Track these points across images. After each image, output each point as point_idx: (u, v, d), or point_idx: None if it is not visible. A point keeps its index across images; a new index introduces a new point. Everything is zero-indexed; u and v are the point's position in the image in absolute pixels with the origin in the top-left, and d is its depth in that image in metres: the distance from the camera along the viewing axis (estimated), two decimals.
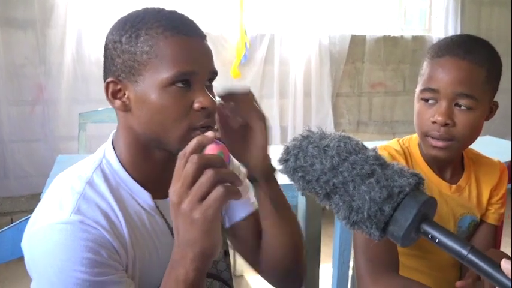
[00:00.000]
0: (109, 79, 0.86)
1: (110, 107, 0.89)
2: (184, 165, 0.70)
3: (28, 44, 3.01)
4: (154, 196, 0.89)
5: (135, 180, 0.88)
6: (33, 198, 2.93)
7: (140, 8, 0.88)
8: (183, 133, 0.83)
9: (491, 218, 1.28)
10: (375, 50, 3.77)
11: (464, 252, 0.53)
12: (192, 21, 0.87)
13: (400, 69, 3.90)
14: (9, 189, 3.07)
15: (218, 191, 0.68)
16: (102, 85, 0.88)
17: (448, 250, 0.54)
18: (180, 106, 0.82)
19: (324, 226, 1.93)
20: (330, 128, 3.63)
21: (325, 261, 2.05)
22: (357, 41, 3.71)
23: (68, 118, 3.05)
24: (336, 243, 1.94)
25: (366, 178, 0.55)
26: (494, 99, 1.15)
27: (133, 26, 0.84)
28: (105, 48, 0.88)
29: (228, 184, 0.70)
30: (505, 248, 1.39)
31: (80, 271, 0.75)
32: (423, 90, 1.12)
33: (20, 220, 1.13)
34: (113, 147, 0.90)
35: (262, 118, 0.92)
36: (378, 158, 0.57)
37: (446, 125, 1.09)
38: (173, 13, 0.86)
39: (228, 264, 1.03)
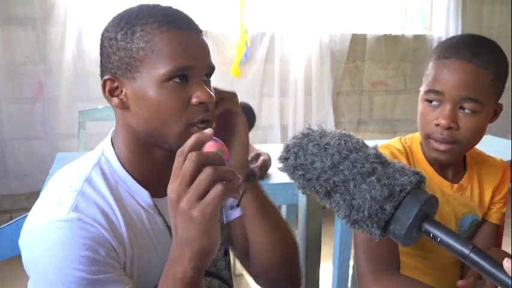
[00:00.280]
0: (106, 77, 0.85)
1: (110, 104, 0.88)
2: (182, 163, 0.69)
3: (28, 42, 3.00)
4: (153, 195, 0.88)
5: (134, 179, 0.88)
6: (33, 196, 2.92)
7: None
8: (182, 129, 0.82)
9: (494, 217, 1.27)
10: (375, 48, 3.77)
11: (466, 251, 0.52)
12: (187, 16, 0.87)
13: (401, 68, 3.90)
14: (9, 187, 3.07)
15: (217, 189, 0.68)
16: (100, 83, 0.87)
17: (449, 249, 0.53)
18: (178, 101, 0.82)
19: (324, 225, 1.93)
20: (330, 127, 3.63)
21: (326, 261, 2.05)
22: (357, 40, 3.71)
23: (68, 116, 3.05)
24: (336, 243, 1.94)
25: (366, 176, 0.55)
26: None
27: (128, 22, 0.83)
28: (101, 46, 0.87)
29: (227, 182, 0.69)
30: (505, 247, 1.39)
31: (78, 269, 0.75)
32: (428, 92, 1.11)
33: (19, 217, 1.12)
34: (112, 145, 0.89)
35: (243, 117, 0.93)
36: (378, 156, 0.57)
37: (449, 128, 1.08)
38: (168, 8, 0.86)
39: (228, 263, 1.03)
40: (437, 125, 1.09)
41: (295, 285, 1.04)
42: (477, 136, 1.12)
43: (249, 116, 2.18)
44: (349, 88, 3.81)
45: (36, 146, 3.09)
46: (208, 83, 0.87)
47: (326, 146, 0.57)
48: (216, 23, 3.35)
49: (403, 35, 3.85)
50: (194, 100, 0.82)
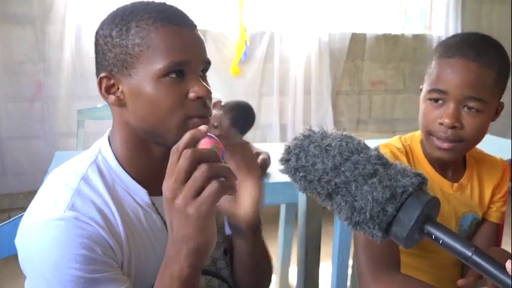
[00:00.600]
0: (102, 74, 0.85)
1: None
2: (177, 160, 0.69)
3: (27, 41, 2.99)
4: (151, 193, 0.88)
5: (131, 177, 0.87)
6: (31, 195, 2.89)
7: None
8: (180, 123, 0.82)
9: (494, 216, 1.27)
10: (375, 48, 3.76)
11: (468, 253, 0.52)
12: (181, 12, 0.87)
13: (401, 67, 3.89)
14: (7, 186, 3.06)
15: (212, 186, 0.67)
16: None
17: (452, 251, 0.53)
18: (175, 96, 0.81)
19: (323, 225, 1.92)
20: (329, 126, 3.62)
21: (325, 260, 2.05)
22: (357, 39, 3.71)
23: (66, 115, 3.05)
24: (335, 242, 1.94)
25: (368, 178, 0.54)
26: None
27: (123, 19, 0.83)
28: (96, 44, 0.87)
29: (223, 179, 0.69)
30: (505, 247, 1.38)
31: (75, 268, 0.75)
32: (431, 91, 1.11)
33: (17, 216, 1.12)
34: (109, 143, 0.89)
35: (258, 172, 0.91)
36: (380, 158, 0.56)
37: (453, 127, 1.08)
38: (162, 4, 0.86)
39: (228, 263, 1.02)
40: (440, 123, 1.09)
41: None
42: (480, 134, 1.12)
43: (249, 115, 2.19)
44: (348, 87, 3.81)
45: (35, 145, 3.08)
46: (204, 78, 0.87)
47: (327, 148, 0.57)
48: (215, 22, 3.35)
49: (402, 35, 3.85)
50: (191, 95, 0.82)
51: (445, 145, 1.10)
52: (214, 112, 2.05)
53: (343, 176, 0.55)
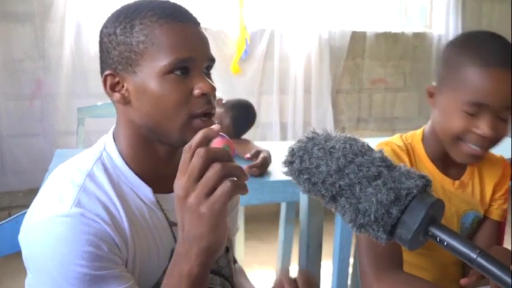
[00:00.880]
0: (106, 72, 0.85)
1: (109, 101, 0.88)
2: (190, 159, 0.69)
3: (27, 38, 2.99)
4: (155, 191, 0.88)
5: (136, 174, 0.87)
6: (31, 193, 2.91)
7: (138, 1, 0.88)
8: (184, 121, 0.82)
9: (495, 214, 1.28)
10: (375, 46, 3.76)
11: (473, 255, 0.52)
12: (185, 9, 0.87)
13: (401, 65, 3.89)
14: (7, 184, 3.05)
15: (225, 185, 0.67)
16: (101, 79, 0.87)
17: (456, 253, 0.53)
18: (180, 93, 0.81)
19: (324, 224, 1.92)
20: (329, 125, 3.63)
21: (325, 258, 2.05)
22: (357, 37, 3.70)
23: (66, 113, 3.04)
24: (336, 241, 1.94)
25: (372, 180, 0.54)
26: None
27: (127, 16, 0.83)
28: (100, 42, 0.87)
29: (235, 179, 0.69)
30: (506, 245, 1.38)
31: (81, 265, 0.75)
32: (470, 104, 1.06)
33: (19, 213, 1.12)
34: (114, 141, 0.89)
35: None
36: (384, 160, 0.56)
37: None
38: (166, 2, 0.86)
39: (229, 261, 1.02)
40: (477, 133, 1.08)
41: None
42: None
43: (249, 113, 2.18)
44: (348, 86, 3.80)
45: (35, 143, 3.07)
46: (208, 75, 0.87)
47: (331, 150, 0.56)
48: (215, 19, 3.34)
49: (402, 33, 3.85)
50: (196, 92, 0.82)
51: (478, 151, 1.10)
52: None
53: (347, 178, 0.55)
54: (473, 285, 1.04)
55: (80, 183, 0.81)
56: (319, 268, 1.97)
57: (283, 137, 3.56)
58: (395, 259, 1.11)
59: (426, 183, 0.54)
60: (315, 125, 3.59)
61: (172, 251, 0.88)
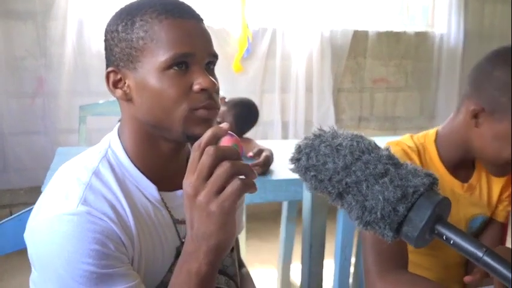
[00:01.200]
0: (109, 69, 0.86)
1: (111, 99, 0.88)
2: (199, 157, 0.68)
3: (29, 36, 2.99)
4: (160, 188, 0.88)
5: (141, 172, 0.87)
6: (33, 191, 2.92)
7: None
8: (185, 114, 0.82)
9: (500, 216, 1.28)
10: (377, 45, 3.76)
11: (479, 254, 0.52)
12: (186, 5, 0.86)
13: (403, 65, 3.89)
14: (8, 181, 3.05)
15: (235, 183, 0.67)
16: (103, 78, 0.87)
17: (462, 252, 0.53)
18: (179, 88, 0.81)
19: (327, 223, 1.92)
20: (331, 124, 3.62)
21: (327, 258, 2.05)
22: (359, 36, 3.70)
23: (68, 111, 3.04)
24: (338, 240, 1.94)
25: (379, 178, 0.54)
26: None
27: (128, 14, 0.84)
28: (104, 40, 0.88)
29: (243, 177, 0.69)
30: (506, 245, 1.39)
31: (88, 263, 0.74)
32: None
33: (21, 211, 1.11)
34: (119, 138, 0.89)
35: None
36: (391, 158, 0.56)
37: None
38: None
39: (234, 260, 1.02)
40: None
41: None
42: None
43: (252, 112, 2.18)
44: (350, 85, 3.80)
45: (37, 141, 3.08)
46: (211, 72, 0.87)
47: (338, 147, 0.56)
48: (217, 18, 3.34)
49: (404, 32, 3.84)
50: (196, 87, 0.82)
51: None
52: None
53: (354, 175, 0.55)
54: (477, 283, 1.04)
55: (86, 181, 0.81)
56: (322, 268, 1.97)
57: (285, 136, 3.55)
58: (400, 259, 1.11)
59: (433, 182, 0.54)
60: (317, 123, 3.59)
61: (177, 248, 0.88)
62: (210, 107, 0.83)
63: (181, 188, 0.72)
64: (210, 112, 0.84)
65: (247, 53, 3.39)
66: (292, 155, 0.60)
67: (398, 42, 3.83)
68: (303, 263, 1.88)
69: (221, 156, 0.68)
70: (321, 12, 3.51)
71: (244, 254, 2.56)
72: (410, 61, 3.89)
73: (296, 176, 0.62)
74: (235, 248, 1.07)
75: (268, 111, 3.51)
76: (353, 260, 2.04)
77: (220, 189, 0.67)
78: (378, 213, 0.53)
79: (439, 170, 1.20)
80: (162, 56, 0.80)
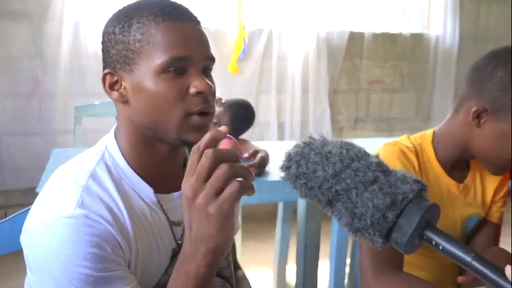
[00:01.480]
0: (106, 71, 0.86)
1: (106, 101, 0.88)
2: (198, 159, 0.69)
3: (24, 37, 2.98)
4: (156, 191, 0.88)
5: (137, 174, 0.87)
6: (28, 192, 2.91)
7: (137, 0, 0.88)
8: (180, 118, 0.82)
9: (494, 217, 1.29)
10: (373, 46, 3.76)
11: (468, 258, 0.52)
12: (184, 7, 0.86)
13: (398, 66, 3.90)
14: (4, 182, 3.05)
15: (233, 185, 0.67)
16: (99, 79, 0.87)
17: (451, 257, 0.53)
18: (176, 91, 0.81)
19: (321, 224, 1.93)
20: (327, 125, 3.63)
21: (323, 259, 2.06)
22: (355, 38, 3.70)
23: (64, 112, 3.04)
24: (333, 241, 1.95)
25: (369, 185, 0.54)
26: None
27: (126, 16, 0.84)
28: (102, 42, 0.88)
29: (242, 179, 0.69)
30: (500, 246, 1.40)
31: (84, 266, 0.75)
32: None
33: (16, 213, 1.11)
34: (115, 140, 0.89)
35: None
36: (380, 165, 0.56)
37: None
38: (165, 1, 0.86)
39: (230, 262, 1.03)
40: None
41: None
42: None
43: (248, 113, 2.18)
44: (346, 86, 3.81)
45: (32, 142, 3.07)
46: (208, 75, 0.87)
47: (328, 155, 0.57)
48: (213, 19, 3.34)
49: (400, 34, 3.85)
50: (192, 90, 0.82)
51: None
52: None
53: (343, 183, 0.55)
54: (470, 283, 1.05)
55: (83, 184, 0.81)
56: (317, 268, 1.97)
57: (281, 137, 3.56)
58: (395, 260, 1.12)
59: (422, 188, 0.55)
60: (313, 125, 3.60)
61: (173, 250, 0.88)
62: (205, 111, 0.83)
63: (177, 190, 0.72)
64: (205, 119, 0.84)
65: (243, 54, 3.39)
66: (282, 163, 0.60)
67: (394, 43, 3.84)
68: (297, 263, 1.89)
69: (220, 159, 0.68)
70: (317, 13, 3.51)
71: (240, 255, 2.57)
72: (406, 62, 3.90)
73: None
74: (231, 250, 1.07)
75: (265, 112, 3.51)
76: (348, 260, 2.04)
77: (219, 191, 0.68)
78: (368, 220, 0.53)
79: (436, 170, 1.21)
80: (159, 59, 0.80)
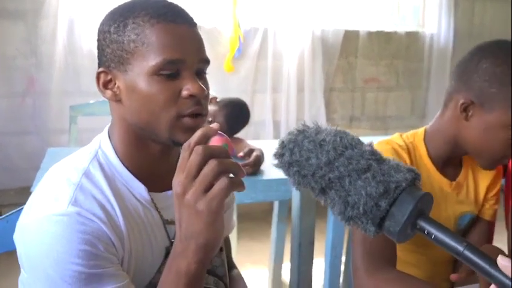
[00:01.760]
0: (100, 69, 0.86)
1: (101, 99, 0.88)
2: (189, 156, 0.69)
3: (19, 35, 2.97)
4: (150, 189, 0.88)
5: (131, 173, 0.87)
6: (23, 192, 2.89)
7: None
8: (172, 120, 0.82)
9: (487, 214, 1.29)
10: (368, 45, 3.77)
11: (460, 248, 0.52)
12: (180, 9, 0.86)
13: (393, 64, 3.91)
14: None
15: (222, 181, 0.68)
16: (94, 77, 0.87)
17: (443, 246, 0.53)
18: (168, 94, 0.81)
19: (316, 221, 1.93)
20: (322, 123, 3.61)
21: (318, 256, 2.05)
22: (350, 36, 3.71)
23: (59, 111, 3.03)
24: (328, 239, 1.95)
25: (362, 173, 0.55)
26: None
27: (121, 15, 0.84)
28: (97, 39, 0.88)
29: (232, 175, 0.69)
30: (496, 244, 1.40)
31: (77, 263, 0.75)
32: None
33: (10, 212, 1.11)
34: (109, 139, 0.89)
35: None
36: (374, 153, 0.57)
37: None
38: (161, 1, 0.86)
39: (223, 260, 1.03)
40: None
41: None
42: None
43: (243, 112, 2.18)
44: (341, 84, 3.81)
45: (27, 141, 3.06)
46: (202, 77, 0.87)
47: (321, 143, 0.57)
48: (209, 17, 3.34)
49: (395, 32, 3.86)
50: (184, 93, 0.82)
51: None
52: (209, 108, 2.04)
53: (337, 171, 0.55)
54: (463, 281, 1.05)
55: (76, 182, 0.81)
56: (311, 266, 1.97)
57: (276, 136, 3.56)
58: (388, 256, 1.12)
59: (415, 177, 0.55)
60: (308, 123, 3.60)
61: (166, 249, 0.88)
62: (197, 113, 0.84)
63: (171, 189, 0.72)
64: (197, 120, 0.84)
65: (238, 52, 3.39)
66: (275, 150, 0.60)
67: (389, 42, 3.85)
68: (292, 261, 1.89)
69: (209, 155, 0.68)
70: (312, 11, 3.52)
71: (236, 254, 2.57)
72: (401, 61, 3.91)
73: None
74: (225, 249, 1.07)
75: (260, 111, 3.51)
76: (343, 258, 2.04)
77: (208, 188, 0.68)
78: (361, 208, 0.53)
79: (428, 168, 1.21)
80: (153, 61, 0.81)
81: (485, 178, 1.28)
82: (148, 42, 0.81)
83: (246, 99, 2.34)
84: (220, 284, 0.99)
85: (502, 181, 1.35)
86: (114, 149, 0.88)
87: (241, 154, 1.89)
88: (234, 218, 1.14)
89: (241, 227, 2.84)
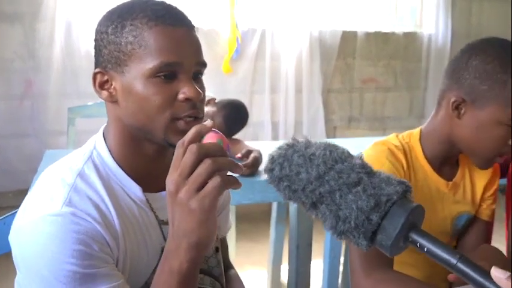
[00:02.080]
0: (96, 70, 0.86)
1: (99, 101, 0.88)
2: (182, 155, 0.69)
3: (16, 38, 2.97)
4: (145, 189, 0.88)
5: (126, 173, 0.87)
6: (21, 194, 2.88)
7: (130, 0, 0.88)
8: (167, 122, 0.82)
9: (484, 214, 1.29)
10: (366, 46, 3.77)
11: (453, 260, 0.52)
12: (179, 12, 0.86)
13: (391, 65, 3.90)
14: None
15: (215, 180, 0.67)
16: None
17: (436, 259, 0.53)
18: (164, 96, 0.82)
19: (314, 222, 1.93)
20: (321, 124, 3.63)
21: (316, 257, 2.06)
22: (348, 37, 3.71)
23: (57, 113, 3.02)
24: (327, 240, 1.95)
25: (352, 187, 0.54)
26: None
27: (119, 16, 0.84)
28: (94, 39, 0.88)
29: (227, 173, 0.69)
30: (495, 244, 1.40)
31: (71, 263, 0.75)
32: None
33: (6, 214, 1.11)
34: (104, 140, 0.89)
35: None
36: (364, 166, 0.56)
37: None
38: (160, 3, 0.86)
39: (219, 261, 1.02)
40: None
41: None
42: None
43: (241, 113, 2.18)
44: (339, 85, 3.81)
45: (25, 143, 3.06)
46: (199, 80, 0.87)
47: (311, 157, 0.57)
48: (206, 19, 3.33)
49: (393, 32, 3.86)
50: (180, 96, 0.82)
51: (500, 159, 1.17)
52: (208, 109, 2.04)
53: (327, 185, 0.55)
54: (461, 281, 1.05)
55: (71, 183, 0.81)
56: (309, 267, 1.98)
57: (275, 137, 3.56)
58: (385, 257, 1.11)
59: (406, 189, 0.55)
60: (306, 124, 3.60)
61: (162, 249, 0.88)
62: (193, 116, 0.84)
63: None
64: (192, 123, 0.83)
65: (236, 53, 3.38)
66: (266, 165, 0.60)
67: (387, 42, 3.85)
68: (290, 263, 1.89)
69: (203, 154, 0.68)
70: (310, 12, 3.51)
71: (235, 255, 2.57)
72: (399, 61, 3.90)
73: None
74: (222, 249, 1.07)
75: (258, 112, 3.51)
76: (342, 259, 2.04)
77: (201, 186, 0.68)
78: (352, 222, 0.53)
79: (425, 168, 1.21)
80: (150, 63, 0.81)
81: (482, 178, 1.28)
82: (146, 44, 0.81)
83: (244, 100, 2.34)
84: (216, 285, 0.99)
85: (499, 181, 1.35)
86: (109, 150, 0.88)
87: (239, 155, 1.89)
88: (231, 219, 1.14)
89: (240, 229, 2.83)
